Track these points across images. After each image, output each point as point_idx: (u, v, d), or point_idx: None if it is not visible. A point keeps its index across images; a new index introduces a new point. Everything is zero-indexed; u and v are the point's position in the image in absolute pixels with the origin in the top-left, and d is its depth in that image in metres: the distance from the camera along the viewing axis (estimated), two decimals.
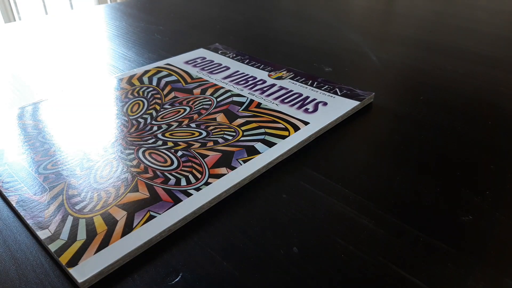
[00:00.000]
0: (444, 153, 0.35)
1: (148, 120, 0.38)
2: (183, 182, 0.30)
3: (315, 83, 0.46)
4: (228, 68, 0.49)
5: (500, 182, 0.31)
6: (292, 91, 0.44)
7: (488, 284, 0.23)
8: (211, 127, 0.37)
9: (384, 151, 0.35)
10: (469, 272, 0.24)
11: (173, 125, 0.37)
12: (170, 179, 0.30)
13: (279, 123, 0.38)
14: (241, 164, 0.32)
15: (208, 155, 0.33)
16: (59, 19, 0.71)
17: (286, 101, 0.42)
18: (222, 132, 0.36)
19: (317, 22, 0.70)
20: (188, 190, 0.29)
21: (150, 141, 0.35)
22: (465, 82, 0.48)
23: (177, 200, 0.28)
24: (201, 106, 0.40)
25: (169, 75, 0.47)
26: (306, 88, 0.44)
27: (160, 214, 0.27)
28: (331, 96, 0.42)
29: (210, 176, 0.31)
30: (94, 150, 0.34)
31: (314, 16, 0.73)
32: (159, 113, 0.39)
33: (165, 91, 0.43)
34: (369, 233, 0.27)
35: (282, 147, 0.34)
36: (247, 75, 0.48)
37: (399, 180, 0.32)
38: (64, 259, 0.24)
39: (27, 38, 0.62)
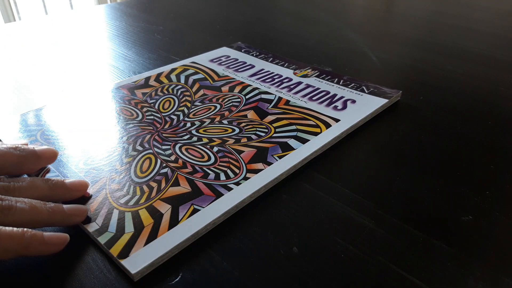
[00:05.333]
0: (444, 153, 0.35)
1: (181, 117, 0.39)
2: (222, 176, 0.31)
3: (341, 81, 0.46)
4: (253, 66, 0.50)
5: (500, 182, 0.31)
6: (319, 88, 0.44)
7: (488, 284, 0.23)
8: (243, 124, 0.37)
9: (384, 151, 0.35)
10: (469, 272, 0.24)
11: (205, 121, 0.38)
12: (209, 173, 0.31)
13: (310, 120, 0.38)
14: (277, 160, 0.32)
15: (244, 151, 0.33)
16: (59, 19, 0.71)
17: (314, 98, 0.42)
18: (255, 129, 0.36)
19: (317, 22, 0.70)
20: (228, 185, 0.30)
21: (185, 137, 0.35)
22: (465, 82, 0.48)
23: (218, 194, 0.29)
24: (231, 104, 0.41)
25: (196, 73, 0.48)
26: (333, 86, 0.45)
27: (204, 207, 0.28)
28: (359, 94, 0.43)
29: (248, 171, 0.31)
30: (132, 146, 0.34)
31: (314, 16, 0.73)
32: (191, 110, 0.40)
33: (194, 89, 0.44)
34: (369, 233, 0.27)
35: (316, 143, 0.35)
36: (273, 73, 0.48)
37: (399, 180, 0.32)
38: (114, 251, 0.24)
39: (27, 38, 0.62)
